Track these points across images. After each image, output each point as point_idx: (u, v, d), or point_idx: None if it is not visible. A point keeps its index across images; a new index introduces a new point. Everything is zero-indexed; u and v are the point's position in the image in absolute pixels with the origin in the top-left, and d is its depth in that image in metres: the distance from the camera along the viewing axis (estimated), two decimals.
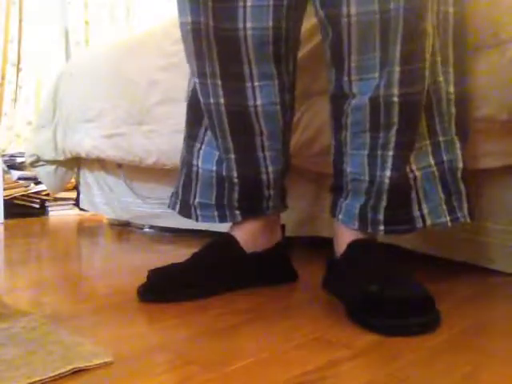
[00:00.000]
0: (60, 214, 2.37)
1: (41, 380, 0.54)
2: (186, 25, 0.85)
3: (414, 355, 0.61)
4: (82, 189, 2.02)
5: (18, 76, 2.85)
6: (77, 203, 2.24)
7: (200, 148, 0.95)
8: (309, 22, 0.97)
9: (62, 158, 1.88)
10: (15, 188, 2.30)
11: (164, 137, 1.45)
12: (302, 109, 1.11)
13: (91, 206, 1.99)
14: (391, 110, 0.78)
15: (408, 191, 0.82)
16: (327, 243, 0.93)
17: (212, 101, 0.88)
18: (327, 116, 0.92)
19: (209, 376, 0.56)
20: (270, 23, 0.85)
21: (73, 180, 2.13)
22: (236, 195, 0.93)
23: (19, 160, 2.41)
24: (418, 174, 0.82)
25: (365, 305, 0.72)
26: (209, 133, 0.94)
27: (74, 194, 2.36)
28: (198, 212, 0.97)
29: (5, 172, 2.29)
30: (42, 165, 1.94)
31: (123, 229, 1.85)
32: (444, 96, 0.82)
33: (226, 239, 0.95)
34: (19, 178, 2.35)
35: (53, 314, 0.80)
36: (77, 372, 0.57)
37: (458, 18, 0.83)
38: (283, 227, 1.00)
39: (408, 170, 0.81)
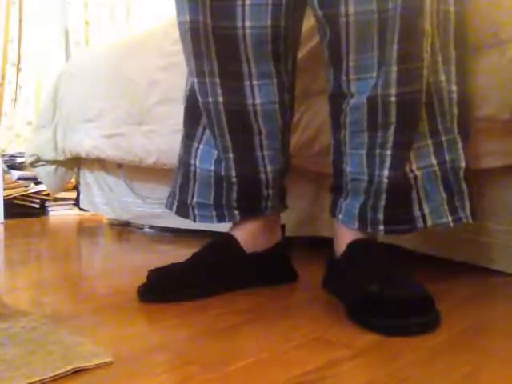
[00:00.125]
0: (60, 214, 2.37)
1: (41, 380, 0.54)
2: (185, 24, 0.85)
3: (414, 355, 0.61)
4: (82, 189, 2.02)
5: (17, 76, 2.85)
6: (77, 203, 2.24)
7: (198, 147, 0.95)
8: (308, 21, 0.97)
9: (62, 158, 1.88)
10: (15, 188, 2.30)
11: (164, 137, 1.45)
12: (301, 109, 1.11)
13: (91, 206, 1.99)
14: (389, 109, 0.78)
15: (408, 191, 0.82)
16: (327, 243, 0.93)
17: (210, 99, 0.88)
18: (327, 116, 0.92)
19: (209, 376, 0.56)
20: (269, 22, 0.85)
21: (73, 180, 2.13)
22: (234, 195, 0.93)
23: (19, 160, 2.41)
24: (418, 173, 0.81)
25: (365, 305, 0.72)
26: (207, 132, 0.93)
27: (74, 194, 2.36)
28: (196, 212, 0.96)
29: (5, 172, 2.29)
30: (42, 165, 1.94)
31: (123, 229, 1.85)
32: (446, 95, 0.81)
33: (226, 239, 0.95)
34: (19, 178, 2.35)
35: (53, 314, 0.80)
36: (77, 372, 0.57)
37: (459, 18, 0.83)
38: (283, 227, 1.00)
39: (408, 169, 0.81)
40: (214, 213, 0.95)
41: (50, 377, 0.55)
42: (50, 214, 2.37)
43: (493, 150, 0.91)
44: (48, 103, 1.91)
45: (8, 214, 2.13)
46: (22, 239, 1.66)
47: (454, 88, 0.82)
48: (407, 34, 0.75)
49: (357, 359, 0.61)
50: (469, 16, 0.86)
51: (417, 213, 0.82)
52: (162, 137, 1.46)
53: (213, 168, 0.93)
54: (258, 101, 0.88)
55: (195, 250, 0.94)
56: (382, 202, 0.82)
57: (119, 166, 1.79)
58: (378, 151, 0.80)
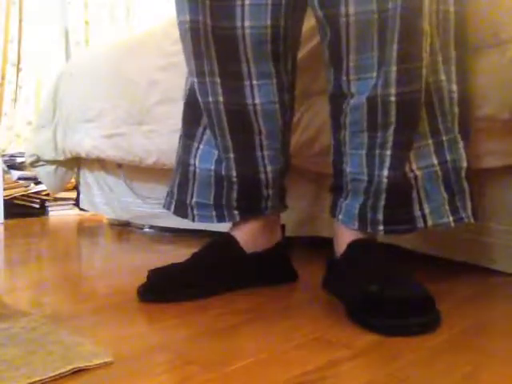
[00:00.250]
0: (60, 214, 2.37)
1: (41, 380, 0.54)
2: (185, 23, 0.85)
3: (414, 355, 0.61)
4: (82, 189, 2.02)
5: (18, 76, 2.85)
6: (77, 203, 2.24)
7: (198, 147, 0.95)
8: (309, 22, 0.97)
9: (62, 157, 1.88)
10: (15, 188, 2.30)
11: (164, 137, 1.45)
12: (301, 109, 1.11)
13: (91, 206, 1.99)
14: (388, 109, 0.78)
15: (408, 191, 0.82)
16: (327, 243, 0.93)
17: (211, 99, 0.88)
18: (327, 116, 0.92)
19: (209, 376, 0.56)
20: (269, 22, 0.85)
21: (73, 180, 2.12)
22: (235, 195, 0.93)
23: (19, 160, 2.41)
24: (418, 173, 0.81)
25: (365, 305, 0.72)
26: (207, 132, 0.93)
27: (74, 194, 2.36)
28: (195, 212, 0.96)
29: (5, 172, 2.29)
30: (42, 165, 1.94)
31: (123, 229, 1.85)
32: (446, 95, 0.81)
33: (226, 239, 0.95)
34: (19, 178, 2.35)
35: (53, 314, 0.80)
36: (77, 372, 0.57)
37: (459, 18, 0.83)
38: (283, 227, 1.00)
39: (408, 169, 0.81)
40: (214, 213, 0.95)
41: (50, 377, 0.55)
42: (50, 214, 2.37)
43: (493, 149, 0.91)
44: (48, 103, 1.91)
45: (8, 214, 2.13)
46: (21, 239, 1.66)
47: (454, 88, 0.82)
48: (407, 33, 0.75)
49: (357, 359, 0.61)
50: (469, 16, 0.86)
51: (417, 213, 0.82)
52: (161, 137, 1.46)
53: (213, 168, 0.93)
54: (257, 101, 0.88)
55: (195, 249, 0.94)
56: (382, 202, 0.82)
57: (119, 166, 1.79)
58: (377, 151, 0.80)
